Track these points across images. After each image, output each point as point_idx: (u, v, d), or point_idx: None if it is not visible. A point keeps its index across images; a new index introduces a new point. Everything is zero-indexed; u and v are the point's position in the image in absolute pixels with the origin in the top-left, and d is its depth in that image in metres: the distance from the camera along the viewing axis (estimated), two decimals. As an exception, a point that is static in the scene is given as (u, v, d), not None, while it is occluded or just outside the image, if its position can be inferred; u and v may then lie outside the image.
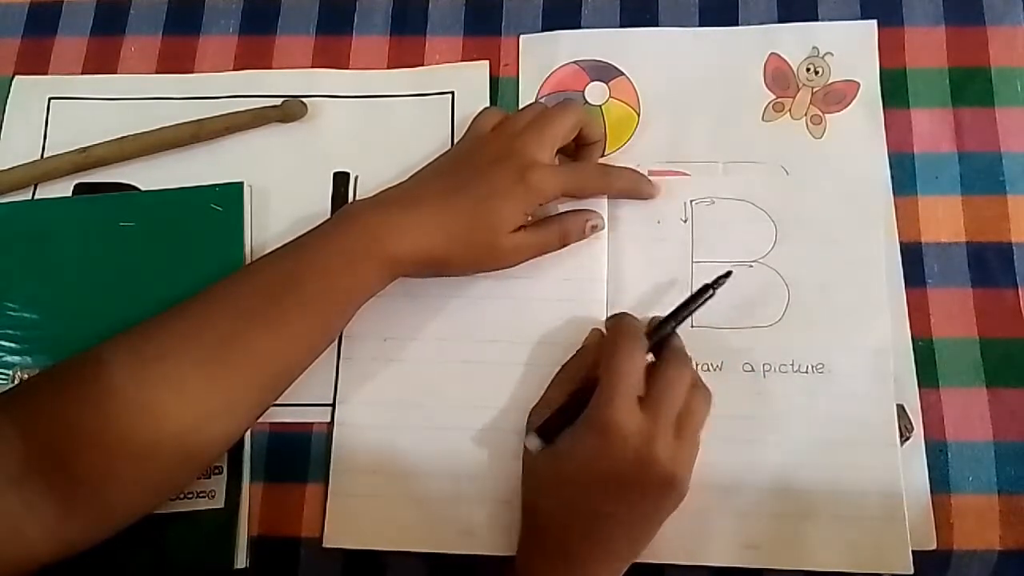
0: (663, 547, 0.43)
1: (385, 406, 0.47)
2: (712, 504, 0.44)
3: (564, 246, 0.47)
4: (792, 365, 0.46)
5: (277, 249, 0.44)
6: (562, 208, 0.48)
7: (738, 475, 0.44)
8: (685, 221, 0.48)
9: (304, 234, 0.44)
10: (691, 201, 0.49)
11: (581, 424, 0.41)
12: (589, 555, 0.40)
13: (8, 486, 0.36)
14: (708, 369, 0.46)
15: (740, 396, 0.45)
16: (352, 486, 0.46)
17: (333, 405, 0.47)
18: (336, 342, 0.48)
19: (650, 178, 0.49)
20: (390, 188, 0.47)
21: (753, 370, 0.46)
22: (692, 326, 0.46)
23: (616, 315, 0.46)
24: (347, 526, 0.45)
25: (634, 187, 0.49)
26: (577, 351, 0.46)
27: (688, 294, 0.45)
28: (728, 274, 0.45)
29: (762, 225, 0.48)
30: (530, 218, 0.46)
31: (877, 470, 0.44)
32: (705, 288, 0.45)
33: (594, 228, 0.48)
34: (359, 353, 0.48)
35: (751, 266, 0.48)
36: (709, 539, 0.44)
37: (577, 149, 0.49)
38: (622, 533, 0.41)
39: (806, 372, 0.46)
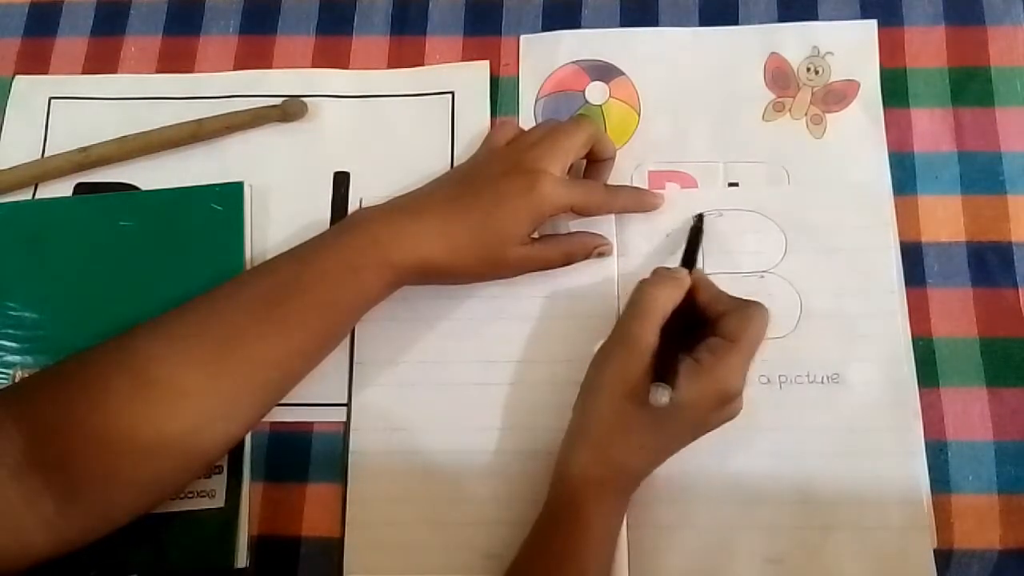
0: (685, 565, 0.43)
1: (400, 432, 0.47)
2: (734, 519, 0.44)
3: (567, 264, 0.47)
4: (807, 376, 0.46)
5: (282, 254, 0.44)
6: (572, 229, 0.48)
7: (759, 489, 0.44)
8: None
9: (311, 239, 0.44)
10: (701, 214, 0.48)
11: (706, 378, 0.40)
12: (637, 459, 0.42)
13: (8, 480, 0.36)
14: None
15: (758, 408, 0.45)
16: (370, 513, 0.45)
17: (334, 405, 0.47)
18: (348, 363, 0.48)
19: (655, 191, 0.49)
20: (399, 196, 0.47)
21: (769, 382, 0.46)
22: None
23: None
24: (367, 555, 0.45)
25: (637, 202, 0.49)
26: (637, 300, 0.43)
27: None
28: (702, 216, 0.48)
29: (771, 235, 0.48)
30: (536, 233, 0.46)
31: (898, 479, 0.44)
32: (697, 228, 0.47)
33: (601, 254, 0.48)
34: (372, 379, 0.47)
35: (762, 276, 0.48)
36: (732, 555, 0.43)
37: (588, 165, 0.49)
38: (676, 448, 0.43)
39: (822, 382, 0.46)
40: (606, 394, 0.41)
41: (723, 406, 0.41)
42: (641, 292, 0.42)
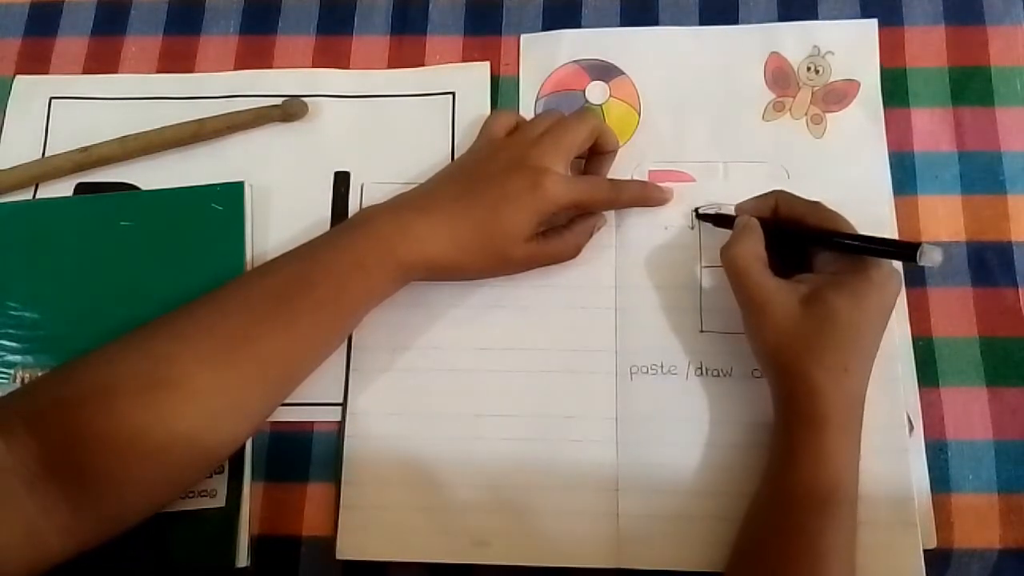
0: (680, 554, 0.44)
1: (395, 417, 0.47)
2: (725, 511, 0.44)
3: (574, 256, 0.47)
4: None
5: (289, 252, 0.44)
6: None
7: (749, 481, 0.43)
8: (692, 228, 0.48)
9: (317, 238, 0.44)
10: (698, 208, 0.49)
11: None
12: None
13: (24, 490, 0.36)
14: (717, 375, 0.46)
15: (750, 402, 0.45)
16: (364, 497, 0.46)
17: (335, 405, 0.47)
18: (345, 351, 0.48)
19: (660, 184, 0.49)
20: (405, 192, 0.47)
21: (762, 376, 0.46)
22: (701, 331, 0.47)
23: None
24: (360, 537, 0.45)
25: (643, 197, 0.49)
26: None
27: (698, 300, 0.47)
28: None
29: None
30: (542, 227, 0.46)
31: (887, 475, 0.44)
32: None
33: (598, 228, 0.48)
34: (369, 364, 0.48)
35: None
36: (722, 546, 0.43)
37: (590, 157, 0.49)
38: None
39: None
40: (782, 358, 0.41)
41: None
42: (727, 259, 0.43)
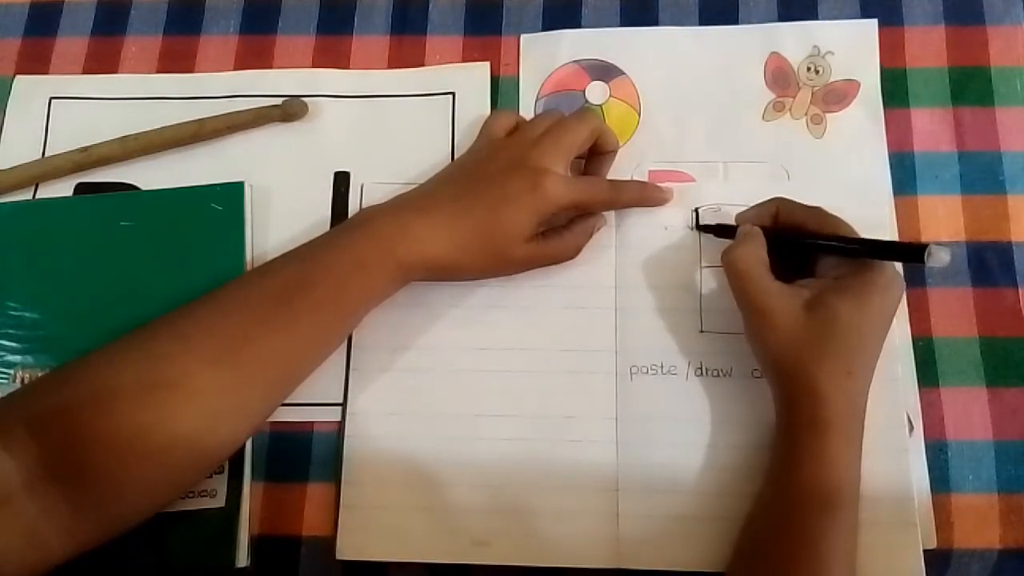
0: (680, 554, 0.44)
1: (396, 417, 0.47)
2: (725, 511, 0.44)
3: (574, 257, 0.47)
4: None
5: (289, 252, 0.44)
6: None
7: (749, 481, 0.43)
8: (692, 228, 0.48)
9: (317, 238, 0.45)
10: (698, 208, 0.49)
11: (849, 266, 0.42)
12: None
13: (25, 492, 0.36)
14: (717, 375, 0.46)
15: (750, 403, 0.45)
16: (364, 497, 0.46)
17: (335, 405, 0.47)
18: (345, 351, 0.48)
19: (660, 185, 0.49)
20: (405, 192, 0.47)
21: (762, 376, 0.45)
22: (701, 331, 0.47)
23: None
24: (360, 537, 0.45)
25: (642, 197, 0.49)
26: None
27: (698, 300, 0.47)
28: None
29: None
30: (542, 228, 0.46)
31: (887, 475, 0.44)
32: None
33: (598, 228, 0.48)
34: (369, 364, 0.48)
35: None
36: (722, 546, 0.43)
37: (590, 158, 0.49)
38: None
39: None
40: (785, 363, 0.41)
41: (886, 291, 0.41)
42: (729, 262, 0.43)
